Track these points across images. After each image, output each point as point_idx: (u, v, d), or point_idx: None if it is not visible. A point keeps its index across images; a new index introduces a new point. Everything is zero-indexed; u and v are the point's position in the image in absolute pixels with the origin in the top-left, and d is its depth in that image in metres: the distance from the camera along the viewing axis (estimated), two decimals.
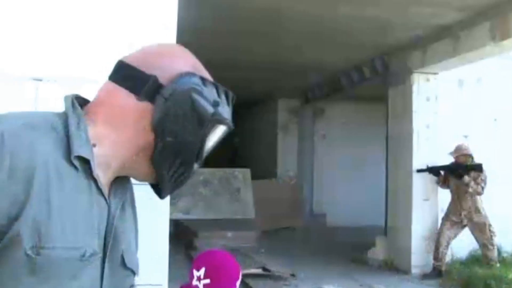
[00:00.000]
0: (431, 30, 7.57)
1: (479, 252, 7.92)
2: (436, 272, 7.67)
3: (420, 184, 8.08)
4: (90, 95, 1.26)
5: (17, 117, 1.10)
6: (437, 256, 7.70)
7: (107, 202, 1.13)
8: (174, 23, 2.57)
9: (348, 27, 7.45)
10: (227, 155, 16.38)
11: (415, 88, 8.24)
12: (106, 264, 1.11)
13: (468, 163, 7.62)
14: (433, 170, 7.93)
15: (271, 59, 9.66)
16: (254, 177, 12.10)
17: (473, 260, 8.09)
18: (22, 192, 0.98)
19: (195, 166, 1.20)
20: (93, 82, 1.19)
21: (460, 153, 7.67)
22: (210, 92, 1.16)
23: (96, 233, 1.09)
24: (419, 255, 8.10)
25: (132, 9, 2.49)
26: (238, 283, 1.11)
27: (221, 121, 1.18)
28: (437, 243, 7.73)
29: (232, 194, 11.63)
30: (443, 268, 7.68)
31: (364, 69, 9.72)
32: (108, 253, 1.12)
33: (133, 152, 1.15)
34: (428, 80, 8.29)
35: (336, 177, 13.23)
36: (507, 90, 9.10)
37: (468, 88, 8.86)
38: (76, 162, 1.06)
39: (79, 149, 1.07)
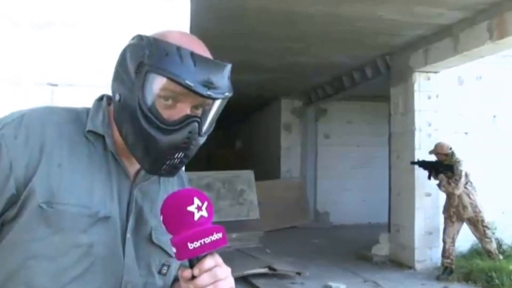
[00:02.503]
0: (433, 30, 7.69)
1: (480, 245, 7.99)
2: (448, 271, 7.63)
3: (422, 179, 8.14)
4: None
5: (48, 106, 1.30)
6: (444, 254, 7.71)
7: (129, 177, 1.25)
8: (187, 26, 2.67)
9: (353, 27, 7.56)
10: (230, 158, 16.48)
11: (416, 86, 8.35)
12: (129, 235, 1.22)
13: (445, 162, 7.65)
14: (422, 164, 7.99)
15: (276, 61, 9.78)
16: (259, 177, 12.19)
17: (475, 253, 8.18)
18: (36, 156, 1.14)
19: (148, 128, 1.14)
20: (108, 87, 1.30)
21: (436, 151, 7.73)
22: (154, 49, 1.13)
23: (116, 200, 1.21)
24: (422, 250, 8.20)
25: (147, 19, 2.59)
26: (191, 208, 1.07)
27: (150, 70, 1.12)
28: (443, 241, 7.76)
29: (236, 197, 11.70)
30: (453, 265, 7.63)
31: (367, 69, 9.85)
32: (130, 223, 1.22)
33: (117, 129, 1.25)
34: (429, 78, 8.40)
35: (340, 176, 13.34)
36: (506, 87, 9.20)
37: (468, 86, 8.97)
38: (90, 137, 1.22)
39: (92, 125, 1.22)
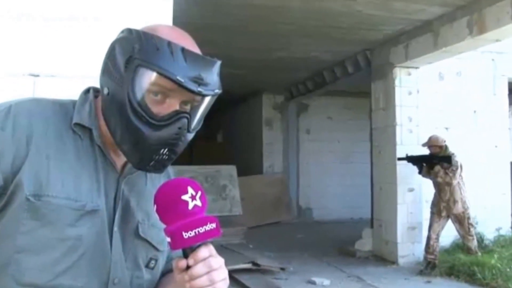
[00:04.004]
0: (413, 25, 7.73)
1: (461, 241, 8.06)
2: (431, 266, 7.67)
3: (404, 175, 8.20)
4: None
5: (35, 97, 1.30)
6: (428, 250, 7.74)
7: (116, 170, 1.25)
8: (169, 20, 2.66)
9: (333, 23, 7.57)
10: (212, 152, 16.43)
11: (397, 82, 8.39)
12: (116, 228, 1.22)
13: (440, 154, 7.70)
14: (411, 159, 8.01)
15: (256, 55, 9.76)
16: (241, 173, 12.19)
17: (457, 248, 8.23)
18: (23, 147, 1.13)
19: (137, 123, 1.14)
20: (93, 77, 1.29)
21: (431, 144, 7.75)
22: (145, 43, 1.12)
23: (103, 193, 1.20)
24: (405, 245, 8.25)
25: (129, 10, 2.57)
26: (185, 197, 1.07)
27: (140, 65, 1.12)
28: (428, 237, 7.77)
29: (218, 192, 11.67)
30: (437, 261, 7.68)
31: (347, 64, 9.87)
32: (117, 216, 1.22)
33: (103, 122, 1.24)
34: (409, 74, 8.44)
35: (322, 171, 13.40)
36: (485, 82, 9.30)
37: (448, 81, 9.03)
38: (77, 129, 1.21)
39: (78, 118, 1.22)
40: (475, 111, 9.18)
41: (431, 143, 7.76)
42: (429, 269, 7.63)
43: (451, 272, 7.46)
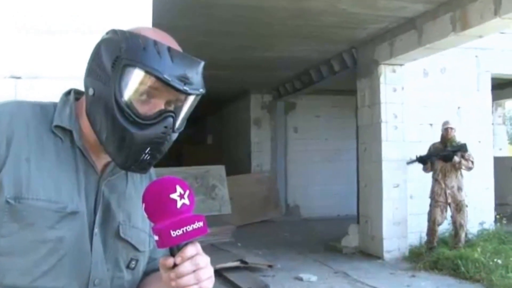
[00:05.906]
0: (397, 23, 7.77)
1: (447, 234, 8.15)
2: (431, 247, 7.97)
3: (390, 171, 8.27)
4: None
5: (16, 100, 1.30)
6: (431, 236, 8.02)
7: (96, 172, 1.25)
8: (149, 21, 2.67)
9: (318, 21, 7.60)
10: (201, 154, 16.42)
11: (382, 79, 8.44)
12: (97, 229, 1.22)
13: (454, 143, 7.92)
14: (422, 160, 8.13)
15: (243, 56, 9.79)
16: (230, 172, 12.21)
17: (441, 242, 8.29)
18: (3, 150, 1.13)
19: (124, 122, 1.14)
20: (75, 78, 1.30)
21: (447, 126, 8.01)
22: (131, 43, 1.14)
23: (83, 195, 1.20)
24: (390, 241, 8.31)
25: (107, 11, 2.58)
26: (174, 195, 1.08)
27: (128, 64, 1.13)
28: (428, 228, 8.02)
29: (207, 192, 11.69)
30: (435, 245, 7.98)
31: (333, 62, 9.92)
32: (97, 217, 1.22)
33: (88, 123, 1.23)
34: (394, 71, 8.49)
35: (310, 169, 13.43)
36: (469, 78, 9.39)
37: (432, 78, 9.11)
38: (58, 132, 1.21)
39: (59, 120, 1.22)
40: (459, 107, 9.27)
41: (447, 125, 8.03)
42: (428, 251, 7.88)
43: (435, 266, 7.54)
